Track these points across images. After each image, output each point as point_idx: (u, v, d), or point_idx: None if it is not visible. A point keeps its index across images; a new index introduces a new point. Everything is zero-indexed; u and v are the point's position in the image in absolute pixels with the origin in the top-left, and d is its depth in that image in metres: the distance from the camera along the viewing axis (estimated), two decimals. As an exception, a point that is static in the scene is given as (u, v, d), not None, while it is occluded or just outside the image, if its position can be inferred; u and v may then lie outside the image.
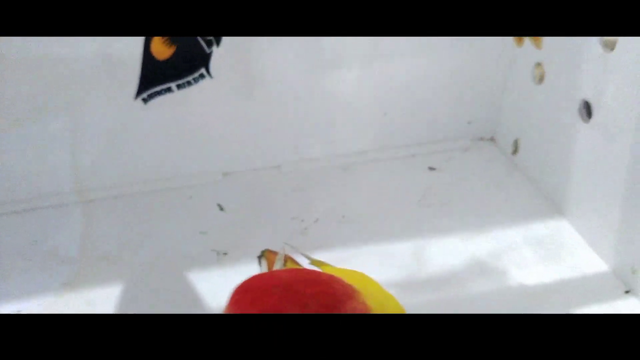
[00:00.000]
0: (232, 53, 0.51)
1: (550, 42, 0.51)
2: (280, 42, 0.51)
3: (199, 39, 0.49)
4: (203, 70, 0.51)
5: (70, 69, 0.49)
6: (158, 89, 0.51)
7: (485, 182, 0.58)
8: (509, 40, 0.57)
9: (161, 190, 0.56)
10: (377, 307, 0.26)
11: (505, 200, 0.55)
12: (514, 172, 0.59)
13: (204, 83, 0.52)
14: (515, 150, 0.60)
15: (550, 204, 0.54)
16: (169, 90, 0.51)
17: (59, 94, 0.50)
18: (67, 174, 0.54)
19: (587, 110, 0.48)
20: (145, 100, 0.51)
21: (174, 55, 0.49)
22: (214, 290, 0.44)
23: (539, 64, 0.53)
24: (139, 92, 0.51)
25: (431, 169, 0.59)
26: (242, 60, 0.52)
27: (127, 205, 0.54)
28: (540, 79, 0.53)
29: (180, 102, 0.52)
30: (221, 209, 0.53)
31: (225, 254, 0.48)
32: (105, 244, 0.49)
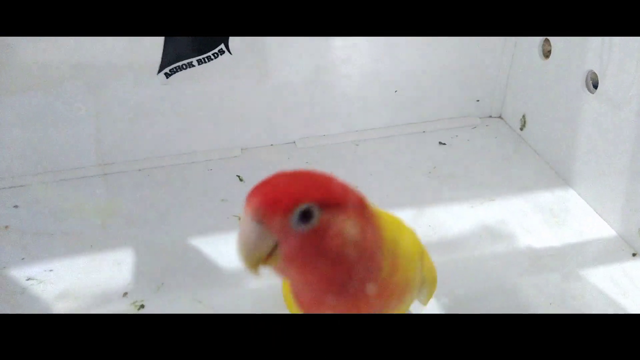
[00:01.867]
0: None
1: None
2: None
3: (220, 15, 0.51)
4: (223, 46, 0.53)
5: (94, 44, 0.51)
6: (180, 63, 0.53)
7: (494, 156, 0.59)
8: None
9: (182, 164, 0.58)
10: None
11: (513, 172, 0.57)
12: (522, 146, 0.61)
13: (224, 59, 0.54)
14: (523, 126, 0.61)
15: (558, 175, 0.56)
16: (190, 65, 0.54)
17: (83, 69, 0.52)
18: (91, 147, 0.57)
19: (593, 81, 0.50)
20: (167, 75, 0.54)
21: (196, 30, 0.52)
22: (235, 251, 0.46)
23: (546, 39, 0.55)
24: (162, 66, 0.53)
25: (441, 144, 0.61)
26: (260, 37, 0.54)
27: (151, 177, 0.57)
28: (547, 54, 0.55)
29: (200, 77, 0.55)
30: (241, 179, 0.56)
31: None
32: (132, 211, 0.52)
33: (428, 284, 0.33)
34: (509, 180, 0.55)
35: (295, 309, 0.30)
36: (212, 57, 0.54)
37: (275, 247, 0.26)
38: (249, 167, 0.58)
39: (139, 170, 0.57)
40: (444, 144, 0.61)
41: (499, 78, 0.63)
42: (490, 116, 0.66)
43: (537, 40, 0.56)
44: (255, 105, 0.58)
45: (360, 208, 0.27)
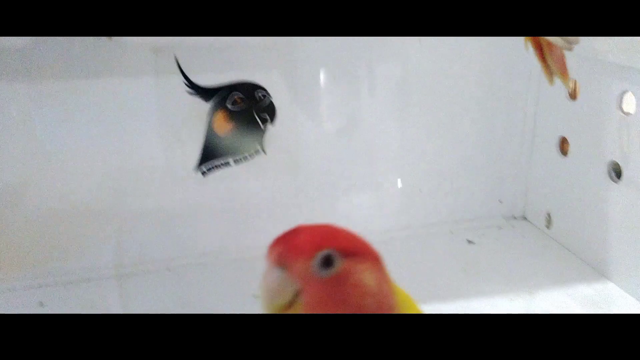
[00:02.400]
0: (283, 131, 0.57)
1: (572, 114, 0.56)
2: (326, 120, 0.58)
3: (256, 117, 0.55)
4: (258, 147, 0.56)
5: (136, 144, 0.54)
6: (217, 162, 0.56)
7: (524, 253, 0.59)
8: (530, 121, 0.62)
9: (211, 262, 0.58)
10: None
11: (547, 268, 0.56)
12: (551, 245, 0.60)
13: (258, 159, 0.57)
14: (548, 225, 0.62)
15: (594, 269, 0.55)
16: (226, 164, 0.56)
17: (120, 169, 0.55)
18: (121, 245, 0.57)
19: (615, 171, 0.51)
20: (204, 174, 0.56)
21: (233, 131, 0.55)
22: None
23: (563, 138, 0.58)
24: (200, 164, 0.55)
25: (470, 242, 0.61)
26: (292, 138, 0.57)
27: (180, 276, 0.56)
28: (565, 152, 0.58)
29: (235, 176, 0.57)
30: (270, 276, 0.55)
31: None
32: (162, 310, 0.50)
33: None
34: (544, 276, 0.54)
35: None
36: (248, 157, 0.56)
37: (297, 295, 0.25)
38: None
39: (168, 269, 0.57)
40: (473, 242, 0.61)
41: (519, 179, 0.65)
42: (514, 216, 0.66)
43: (555, 139, 0.59)
44: (287, 205, 0.59)
45: (378, 263, 0.28)
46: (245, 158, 0.56)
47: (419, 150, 0.62)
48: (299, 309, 0.26)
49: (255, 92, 0.54)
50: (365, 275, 0.26)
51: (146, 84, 0.52)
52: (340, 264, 0.26)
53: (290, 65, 0.55)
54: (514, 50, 0.59)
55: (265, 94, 0.55)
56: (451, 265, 0.57)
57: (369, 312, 0.26)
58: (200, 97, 0.53)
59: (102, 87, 0.52)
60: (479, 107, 0.62)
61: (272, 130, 0.56)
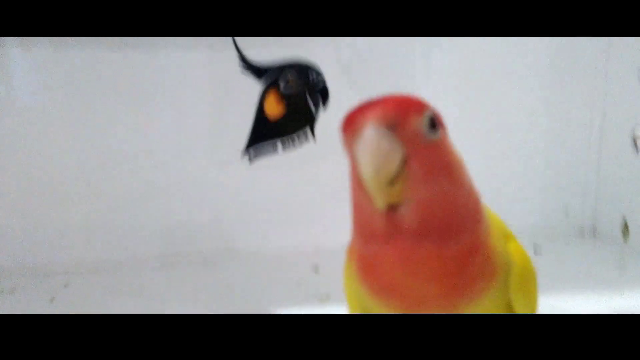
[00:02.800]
0: (335, 118, 0.54)
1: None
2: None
3: (309, 100, 0.53)
4: (308, 132, 0.53)
5: (182, 124, 0.52)
6: (265, 145, 0.53)
7: (599, 263, 0.53)
8: (598, 114, 0.58)
9: (254, 255, 0.53)
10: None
11: (633, 276, 0.49)
12: (630, 258, 0.54)
13: (308, 145, 0.53)
14: (625, 233, 0.55)
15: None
16: (274, 149, 0.53)
17: (163, 150, 0.52)
18: (157, 233, 0.53)
19: None
20: (250, 160, 0.53)
21: (284, 114, 0.52)
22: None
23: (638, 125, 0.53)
24: (248, 146, 0.52)
25: (537, 251, 0.55)
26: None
27: (217, 266, 0.51)
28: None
29: (282, 164, 0.53)
30: (316, 271, 0.50)
31: (327, 296, 0.43)
32: (198, 297, 0.46)
33: (517, 269, 0.24)
34: (631, 282, 0.48)
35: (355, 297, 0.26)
36: (297, 141, 0.53)
37: (403, 164, 0.21)
38: (323, 262, 0.52)
39: (204, 259, 0.53)
40: (540, 248, 0.55)
41: (587, 187, 0.59)
42: (582, 229, 0.60)
43: (629, 132, 0.54)
44: (336, 197, 0.55)
45: None
46: (293, 143, 0.53)
47: (477, 148, 0.58)
48: (401, 183, 0.21)
49: (309, 73, 0.52)
50: (454, 147, 0.24)
51: (198, 58, 0.51)
52: (439, 129, 0.23)
53: (346, 47, 0.53)
54: (578, 43, 0.57)
55: (319, 74, 0.53)
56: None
57: (465, 186, 0.24)
58: (253, 75, 0.52)
59: (152, 60, 0.51)
60: (542, 102, 0.58)
61: (324, 117, 0.54)
